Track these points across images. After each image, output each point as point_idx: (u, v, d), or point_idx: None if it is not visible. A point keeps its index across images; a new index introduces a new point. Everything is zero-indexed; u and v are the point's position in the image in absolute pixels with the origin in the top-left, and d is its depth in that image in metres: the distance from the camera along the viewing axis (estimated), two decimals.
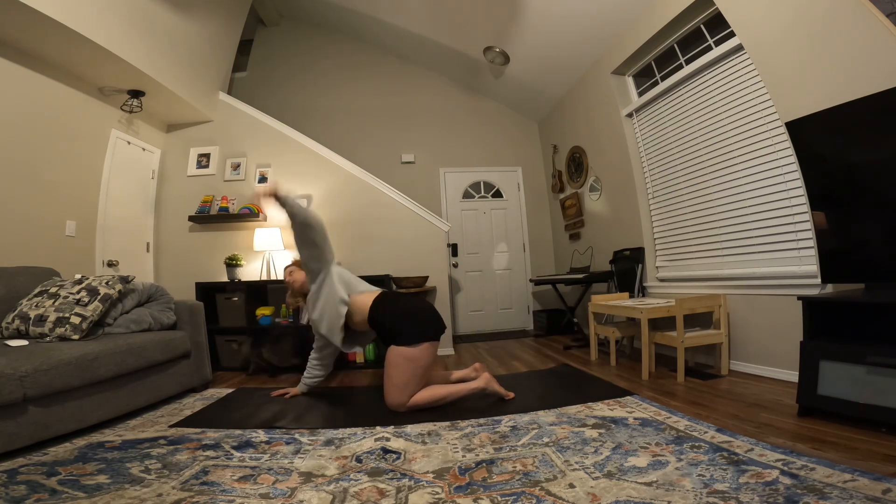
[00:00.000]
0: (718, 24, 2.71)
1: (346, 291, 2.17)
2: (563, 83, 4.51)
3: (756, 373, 2.44)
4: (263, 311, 3.40)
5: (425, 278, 3.71)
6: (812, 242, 2.12)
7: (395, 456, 1.50)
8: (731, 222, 2.72)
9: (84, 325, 2.03)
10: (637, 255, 3.49)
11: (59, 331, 1.97)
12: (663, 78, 3.27)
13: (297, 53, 5.27)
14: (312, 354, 2.39)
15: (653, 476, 1.24)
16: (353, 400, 2.37)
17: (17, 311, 2.04)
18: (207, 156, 3.90)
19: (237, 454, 1.56)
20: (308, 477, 1.35)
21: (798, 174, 2.14)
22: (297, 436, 1.76)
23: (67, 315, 2.01)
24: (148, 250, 3.69)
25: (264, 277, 3.69)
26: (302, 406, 2.21)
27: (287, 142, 3.92)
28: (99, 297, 2.14)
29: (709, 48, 2.81)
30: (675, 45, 3.12)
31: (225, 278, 3.59)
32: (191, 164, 3.88)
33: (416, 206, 3.92)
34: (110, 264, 3.22)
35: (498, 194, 5.40)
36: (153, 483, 1.31)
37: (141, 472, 1.39)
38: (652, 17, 3.09)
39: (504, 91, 5.17)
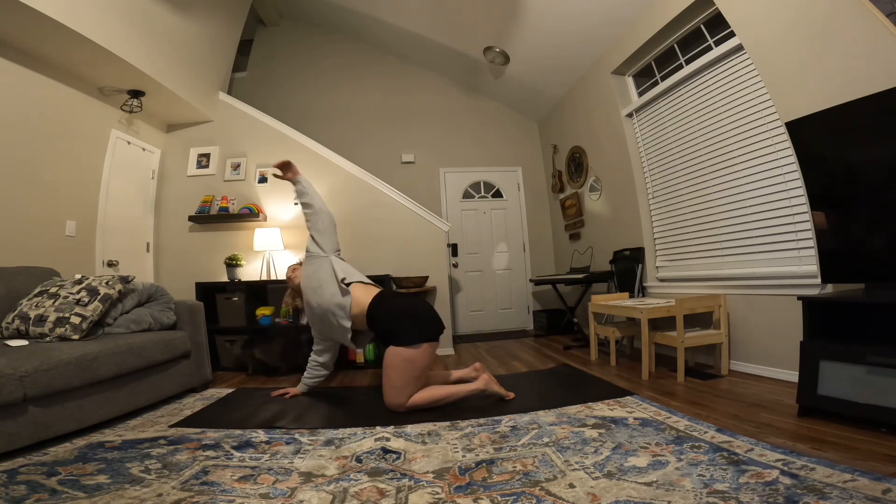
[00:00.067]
0: (718, 24, 2.71)
1: (343, 272, 2.20)
2: (563, 83, 4.51)
3: (756, 373, 2.44)
4: (263, 311, 3.40)
5: (425, 278, 3.71)
6: (812, 242, 2.12)
7: (395, 456, 1.50)
8: (731, 222, 2.72)
9: (84, 325, 2.03)
10: (637, 255, 3.49)
11: (59, 331, 1.97)
12: (663, 78, 3.27)
13: (297, 53, 5.27)
14: (312, 355, 2.39)
15: (653, 476, 1.24)
16: (353, 400, 2.37)
17: (17, 311, 2.04)
18: (207, 156, 3.90)
19: (237, 454, 1.56)
20: (308, 477, 1.35)
21: (798, 174, 2.14)
22: (297, 436, 1.76)
23: (67, 315, 2.01)
24: (148, 250, 3.69)
25: (264, 277, 3.69)
26: (302, 406, 2.21)
27: (287, 142, 3.93)
28: (99, 297, 2.14)
29: (709, 48, 2.81)
30: (675, 45, 3.12)
31: (225, 278, 3.59)
32: (191, 164, 3.88)
33: (416, 206, 3.92)
34: (110, 264, 3.22)
35: (498, 194, 5.40)
36: (153, 483, 1.31)
37: (141, 472, 1.39)
38: (652, 17, 3.09)
39: (504, 91, 5.17)
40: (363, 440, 1.68)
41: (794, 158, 2.12)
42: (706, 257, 2.96)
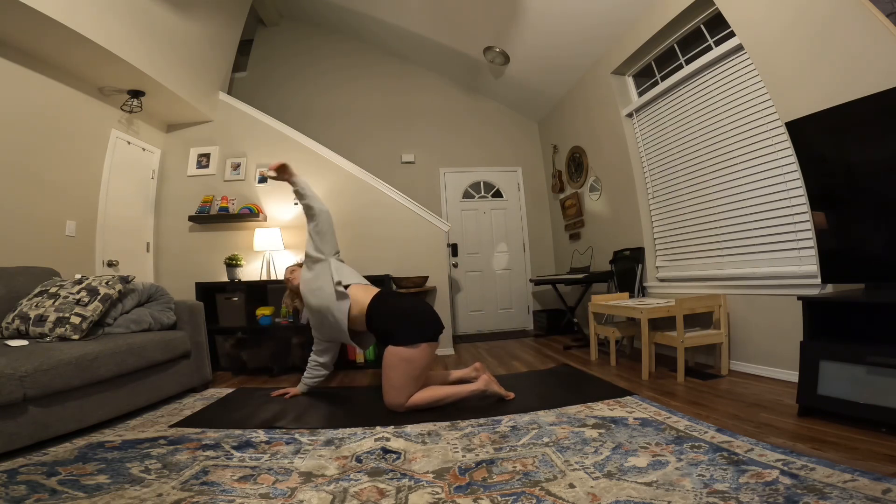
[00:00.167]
0: (718, 24, 2.71)
1: (340, 276, 2.19)
2: (563, 83, 4.51)
3: (756, 373, 2.44)
4: (263, 311, 3.40)
5: (425, 278, 3.71)
6: (812, 242, 2.12)
7: (395, 456, 1.50)
8: (731, 222, 2.72)
9: (84, 325, 2.03)
10: (637, 255, 3.49)
11: (59, 331, 1.97)
12: (663, 78, 3.27)
13: (296, 53, 5.27)
14: (312, 355, 2.39)
15: (653, 476, 1.24)
16: (353, 400, 2.37)
17: (17, 311, 2.04)
18: (207, 156, 3.90)
19: (237, 454, 1.56)
20: (308, 477, 1.35)
21: (798, 174, 2.14)
22: (297, 436, 1.76)
23: (67, 315, 2.01)
24: (148, 250, 3.69)
25: (264, 277, 3.69)
26: (302, 406, 2.21)
27: (287, 142, 3.92)
28: (99, 297, 2.14)
29: (709, 48, 2.81)
30: (675, 45, 3.12)
31: (225, 278, 3.59)
32: (191, 164, 3.88)
33: (416, 206, 3.92)
34: (110, 264, 3.22)
35: (498, 194, 5.40)
36: (153, 483, 1.31)
37: (141, 472, 1.39)
38: (652, 17, 3.09)
39: (504, 91, 5.17)
40: (363, 440, 1.68)
41: (794, 158, 2.12)
42: (706, 257, 2.96)
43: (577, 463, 1.37)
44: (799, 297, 1.80)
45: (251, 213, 3.71)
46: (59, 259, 2.68)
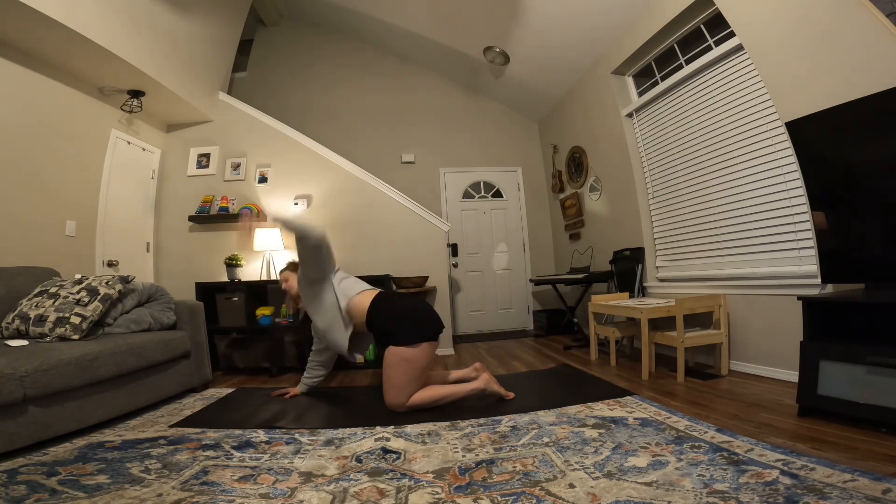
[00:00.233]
0: (718, 24, 2.71)
1: (346, 298, 2.15)
2: (563, 83, 4.51)
3: (756, 373, 2.44)
4: (263, 311, 3.41)
5: (425, 278, 3.71)
6: (812, 242, 2.12)
7: (395, 456, 1.50)
8: (731, 222, 2.72)
9: (84, 325, 2.03)
10: (637, 255, 3.49)
11: (59, 331, 1.97)
12: (663, 78, 3.27)
13: (296, 53, 5.27)
14: (312, 355, 2.39)
15: (653, 476, 1.24)
16: (353, 400, 2.37)
17: (17, 311, 2.04)
18: (207, 156, 3.90)
19: (237, 454, 1.56)
20: (308, 477, 1.35)
21: (798, 174, 2.14)
22: (297, 436, 1.76)
23: (67, 315, 2.01)
24: (148, 250, 3.69)
25: (264, 277, 3.69)
26: (302, 406, 2.21)
27: (287, 142, 3.93)
28: (99, 297, 2.14)
29: (709, 48, 2.81)
30: (675, 45, 3.12)
31: (225, 278, 3.59)
32: (191, 164, 3.88)
33: (416, 206, 3.92)
34: (110, 264, 3.22)
35: (498, 194, 5.40)
36: (153, 483, 1.31)
37: (141, 472, 1.39)
38: (652, 17, 3.09)
39: (504, 91, 5.17)
40: (363, 440, 1.68)
41: (794, 158, 2.12)
42: (706, 257, 2.96)
43: (577, 463, 1.37)
44: (799, 297, 1.80)
45: (251, 213, 3.71)
46: (59, 259, 2.68)
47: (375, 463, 1.45)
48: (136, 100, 3.27)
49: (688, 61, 3.00)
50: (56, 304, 2.04)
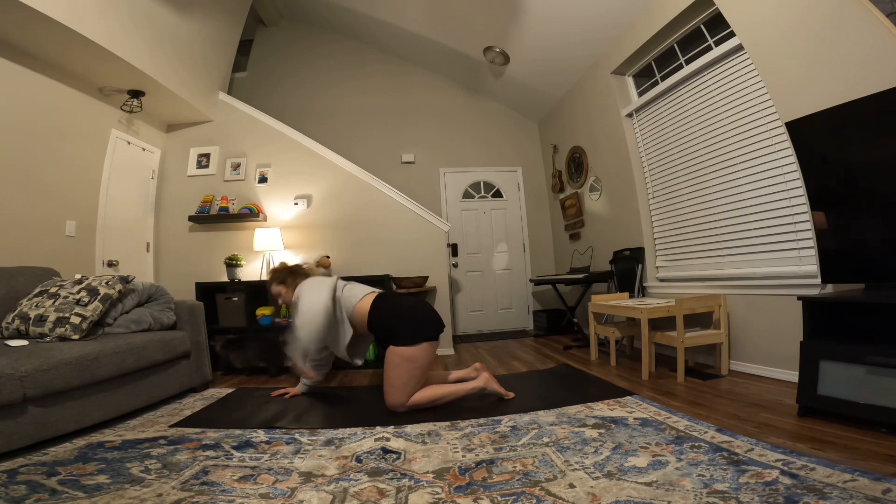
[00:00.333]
0: (718, 24, 2.71)
1: (349, 309, 2.14)
2: (563, 83, 4.51)
3: (756, 373, 2.44)
4: (263, 311, 3.41)
5: (425, 278, 3.71)
6: (812, 242, 2.12)
7: (395, 456, 1.50)
8: (731, 222, 2.72)
9: (84, 325, 2.03)
10: (637, 255, 3.49)
11: (59, 331, 1.97)
12: (663, 78, 3.27)
13: (296, 53, 5.27)
14: (311, 354, 2.39)
15: (653, 476, 1.24)
16: (353, 400, 2.37)
17: (17, 311, 2.04)
18: (207, 156, 3.90)
19: (237, 454, 1.56)
20: (308, 477, 1.35)
21: (798, 174, 2.14)
22: (297, 436, 1.76)
23: (67, 315, 2.01)
24: (148, 250, 3.69)
25: (264, 277, 3.69)
26: (302, 406, 2.22)
27: (287, 142, 3.93)
28: (99, 297, 2.14)
29: (709, 48, 2.81)
30: (675, 45, 3.12)
31: (225, 278, 3.59)
32: (191, 164, 3.88)
33: (416, 207, 3.92)
34: (110, 264, 3.22)
35: (498, 194, 5.40)
36: (153, 483, 1.31)
37: (141, 472, 1.39)
38: (652, 17, 3.09)
39: (504, 91, 5.17)
40: (363, 440, 1.68)
41: (794, 158, 2.12)
42: (706, 257, 2.96)
43: (577, 463, 1.37)
44: (799, 297, 1.80)
45: (251, 213, 3.71)
46: (59, 259, 2.68)
47: (375, 463, 1.45)
48: (136, 100, 3.27)
49: (688, 61, 3.00)
50: (56, 304, 2.04)
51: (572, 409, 1.95)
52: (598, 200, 4.15)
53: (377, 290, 2.26)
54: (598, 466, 1.33)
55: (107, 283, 2.23)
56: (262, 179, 3.88)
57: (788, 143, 2.14)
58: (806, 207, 2.17)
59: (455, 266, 5.13)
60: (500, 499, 1.16)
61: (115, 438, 1.73)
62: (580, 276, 3.89)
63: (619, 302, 3.03)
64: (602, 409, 1.94)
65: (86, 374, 1.76)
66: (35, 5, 2.21)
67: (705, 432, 1.56)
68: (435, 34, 4.60)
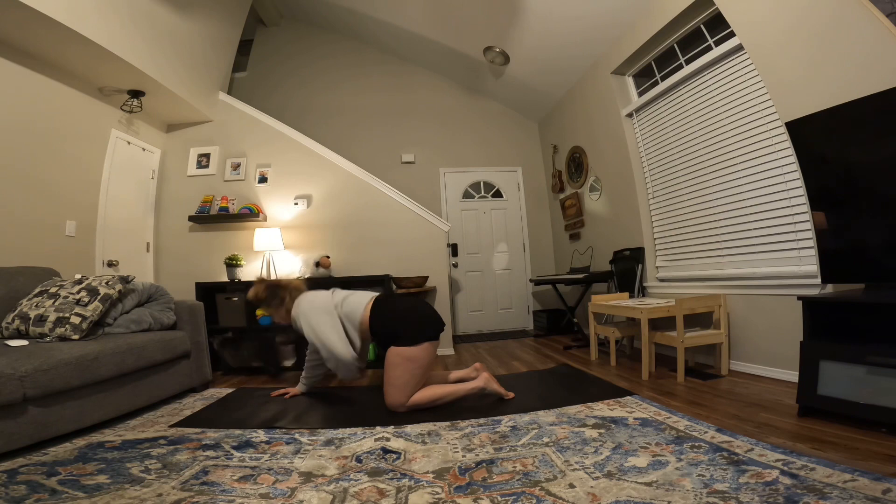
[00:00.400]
0: (718, 24, 2.71)
1: (354, 324, 2.13)
2: (563, 83, 4.51)
3: (756, 373, 2.44)
4: (263, 312, 3.40)
5: (425, 278, 3.71)
6: (812, 242, 2.12)
7: (395, 456, 1.50)
8: (731, 222, 2.72)
9: (84, 325, 2.03)
10: (637, 255, 3.49)
11: (59, 331, 1.97)
12: (663, 78, 3.27)
13: (296, 53, 5.27)
14: (309, 354, 2.38)
15: (653, 476, 1.24)
16: (353, 400, 2.37)
17: (17, 311, 2.04)
18: (207, 156, 3.90)
19: (237, 454, 1.56)
20: (308, 477, 1.35)
21: (798, 174, 2.14)
22: (297, 436, 1.76)
23: (67, 315, 2.01)
24: (148, 250, 3.69)
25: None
26: (302, 406, 2.22)
27: (287, 141, 3.93)
28: (99, 297, 2.14)
29: (709, 48, 2.81)
30: (675, 45, 3.12)
31: (225, 278, 3.59)
32: (191, 164, 3.88)
33: (416, 206, 3.92)
34: (110, 264, 3.22)
35: (498, 194, 5.40)
36: (153, 483, 1.31)
37: (141, 472, 1.39)
38: (652, 18, 3.09)
39: (504, 91, 5.17)
40: (363, 440, 1.68)
41: (794, 158, 2.12)
42: (706, 257, 2.96)
43: (577, 463, 1.37)
44: (799, 297, 1.80)
45: (251, 213, 3.71)
46: (59, 259, 2.68)
47: (375, 463, 1.45)
48: (136, 100, 3.27)
49: (688, 61, 3.00)
50: (56, 304, 2.04)
51: (572, 409, 1.95)
52: (598, 200, 4.15)
53: (373, 294, 2.24)
54: (598, 466, 1.33)
55: (107, 283, 2.23)
56: (262, 179, 3.88)
57: (788, 143, 2.14)
58: (806, 207, 2.17)
59: (455, 266, 5.13)
60: (500, 499, 1.16)
61: (115, 438, 1.73)
62: (580, 276, 3.89)
63: (619, 302, 3.03)
64: (602, 409, 1.94)
65: (86, 374, 1.76)
66: (35, 5, 2.21)
67: (705, 432, 1.56)
68: (435, 34, 4.60)
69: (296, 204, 3.85)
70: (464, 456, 1.48)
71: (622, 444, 1.49)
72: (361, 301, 2.16)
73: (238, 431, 1.82)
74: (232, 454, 1.56)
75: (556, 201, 5.10)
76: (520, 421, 1.83)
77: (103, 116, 3.23)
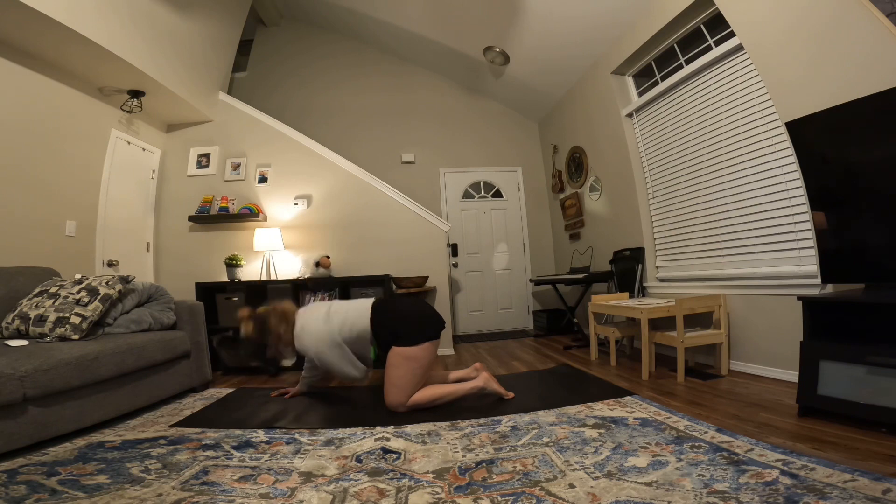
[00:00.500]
0: (718, 24, 2.71)
1: (360, 339, 2.12)
2: (564, 83, 4.51)
3: (756, 373, 2.44)
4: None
5: (425, 278, 3.71)
6: (812, 242, 2.12)
7: (395, 456, 1.50)
8: (731, 222, 2.72)
9: (84, 325, 2.03)
10: (637, 255, 3.49)
11: (59, 331, 1.97)
12: (663, 78, 3.27)
13: (296, 53, 5.27)
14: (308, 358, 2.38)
15: (653, 476, 1.24)
16: (353, 400, 2.37)
17: (17, 311, 2.04)
18: (207, 156, 3.90)
19: (237, 454, 1.56)
20: (308, 477, 1.35)
21: (798, 174, 2.14)
22: (297, 436, 1.76)
23: (67, 315, 2.01)
24: (148, 250, 3.69)
25: (264, 277, 3.69)
26: (302, 406, 2.22)
27: (287, 141, 3.93)
28: (99, 297, 2.14)
29: (709, 48, 2.81)
30: (675, 45, 3.12)
31: (225, 278, 3.59)
32: (191, 164, 3.88)
33: (416, 206, 3.92)
34: (110, 264, 3.22)
35: (498, 194, 5.40)
36: (153, 483, 1.31)
37: (141, 472, 1.39)
38: (652, 18, 3.09)
39: (504, 91, 5.17)
40: (363, 440, 1.68)
41: (794, 158, 2.11)
42: (706, 257, 2.96)
43: (577, 463, 1.37)
44: (799, 297, 1.80)
45: (251, 213, 3.71)
46: (59, 259, 2.68)
47: (375, 463, 1.45)
48: (135, 100, 3.27)
49: (688, 61, 3.00)
50: (56, 304, 2.04)
51: (572, 409, 1.95)
52: (598, 200, 4.15)
53: (370, 302, 2.16)
54: (598, 466, 1.33)
55: (107, 283, 2.23)
56: (262, 179, 3.88)
57: (788, 143, 2.14)
58: (806, 207, 2.17)
59: (455, 266, 5.13)
60: (500, 499, 1.16)
61: (115, 438, 1.73)
62: (580, 276, 3.89)
63: (619, 302, 3.03)
64: (602, 409, 1.94)
65: (86, 374, 1.76)
66: (35, 5, 2.21)
67: (705, 432, 1.56)
68: (435, 34, 4.60)
69: (296, 204, 3.85)
70: (464, 456, 1.48)
71: (622, 444, 1.49)
72: (361, 315, 2.10)
73: (238, 431, 1.82)
74: (232, 454, 1.56)
75: (556, 201, 5.10)
76: (520, 421, 1.83)
77: (103, 116, 3.23)
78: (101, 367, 1.84)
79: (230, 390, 2.62)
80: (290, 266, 3.80)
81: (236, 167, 3.89)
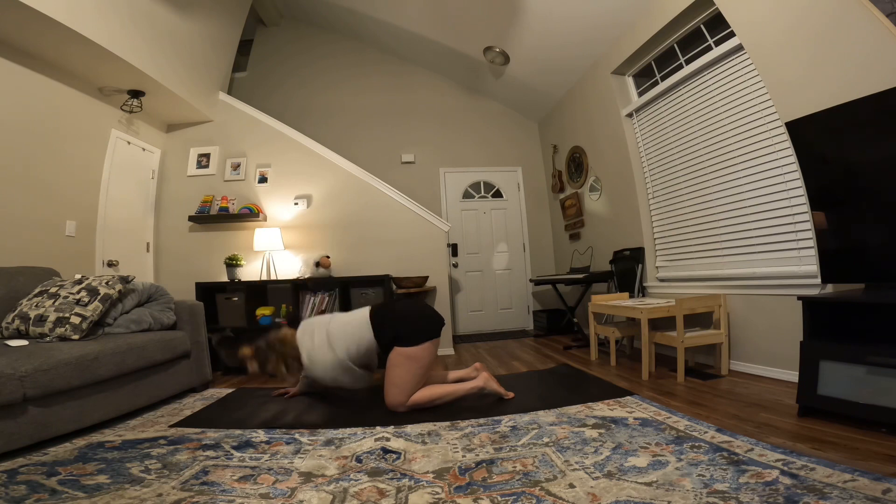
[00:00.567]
0: (718, 24, 2.71)
1: (366, 353, 2.11)
2: (564, 83, 4.50)
3: (756, 373, 2.44)
4: (263, 311, 3.41)
5: (425, 278, 3.71)
6: (812, 242, 2.12)
7: (395, 456, 1.50)
8: (731, 222, 2.72)
9: (84, 325, 2.03)
10: (637, 255, 3.49)
11: (59, 331, 1.97)
12: (663, 78, 3.27)
13: (296, 53, 5.27)
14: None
15: (653, 476, 1.24)
16: (353, 400, 2.36)
17: (17, 311, 2.04)
18: (207, 156, 3.90)
19: (237, 454, 1.56)
20: (308, 477, 1.35)
21: (798, 174, 2.14)
22: (297, 436, 1.76)
23: (67, 315, 2.01)
24: (148, 250, 3.69)
25: (264, 277, 3.69)
26: (302, 406, 2.22)
27: (287, 141, 3.93)
28: (99, 297, 2.14)
29: (709, 48, 2.81)
30: (675, 45, 3.12)
31: (225, 278, 3.59)
32: (191, 164, 3.88)
33: (416, 206, 3.92)
34: (110, 264, 3.22)
35: (498, 194, 5.40)
36: (153, 483, 1.31)
37: (141, 472, 1.39)
38: (652, 18, 3.09)
39: (504, 91, 5.17)
40: (363, 440, 1.68)
41: (794, 158, 2.12)
42: (706, 257, 2.96)
43: (577, 463, 1.37)
44: (799, 297, 1.80)
45: (251, 213, 3.71)
46: (59, 259, 2.68)
47: (375, 463, 1.45)
48: (136, 100, 3.27)
49: (688, 61, 3.00)
50: (56, 304, 2.04)
51: (572, 409, 1.95)
52: (598, 200, 4.15)
53: (366, 312, 2.14)
54: (598, 466, 1.33)
55: (107, 283, 2.23)
56: (262, 179, 3.88)
57: (788, 143, 2.14)
58: (806, 207, 2.17)
59: (455, 266, 5.13)
60: (500, 499, 1.16)
61: (115, 438, 1.73)
62: (580, 276, 3.89)
63: (619, 302, 3.03)
64: (602, 409, 1.94)
65: (86, 374, 1.76)
66: (35, 5, 2.21)
67: (705, 432, 1.56)
68: (435, 34, 4.60)
69: (296, 204, 3.85)
70: (464, 456, 1.48)
71: (622, 444, 1.49)
72: (363, 327, 2.07)
73: (238, 431, 1.82)
74: (232, 454, 1.56)
75: (556, 201, 5.10)
76: (520, 421, 1.83)
77: (103, 116, 3.23)
78: (101, 367, 1.84)
79: (230, 390, 2.62)
80: (290, 266, 3.81)
81: (236, 167, 3.89)
